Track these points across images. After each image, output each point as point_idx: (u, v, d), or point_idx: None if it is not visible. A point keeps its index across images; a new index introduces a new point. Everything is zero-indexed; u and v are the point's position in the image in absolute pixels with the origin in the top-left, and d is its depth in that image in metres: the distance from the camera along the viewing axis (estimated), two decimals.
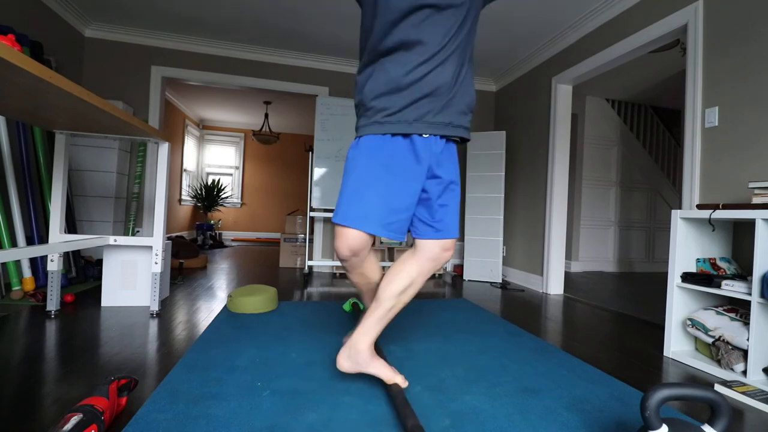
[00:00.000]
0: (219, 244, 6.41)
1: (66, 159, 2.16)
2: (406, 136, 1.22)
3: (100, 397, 1.03)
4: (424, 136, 1.22)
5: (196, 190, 6.86)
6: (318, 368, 1.50)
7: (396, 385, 1.24)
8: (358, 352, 1.27)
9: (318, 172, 3.67)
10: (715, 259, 1.86)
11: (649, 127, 5.23)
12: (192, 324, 2.04)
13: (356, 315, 2.13)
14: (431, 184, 1.29)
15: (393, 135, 1.22)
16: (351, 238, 1.24)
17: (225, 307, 2.36)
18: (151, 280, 2.19)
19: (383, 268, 3.26)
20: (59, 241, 2.12)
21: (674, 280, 1.84)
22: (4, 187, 2.49)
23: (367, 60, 1.24)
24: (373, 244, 4.10)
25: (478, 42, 3.53)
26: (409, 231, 1.35)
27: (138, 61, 3.64)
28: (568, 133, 3.42)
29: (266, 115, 6.16)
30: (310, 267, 3.88)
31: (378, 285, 1.34)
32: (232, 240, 7.43)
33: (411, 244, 3.93)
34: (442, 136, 1.25)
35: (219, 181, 7.08)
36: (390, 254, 4.02)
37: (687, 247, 1.86)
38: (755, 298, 1.50)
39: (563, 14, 3.02)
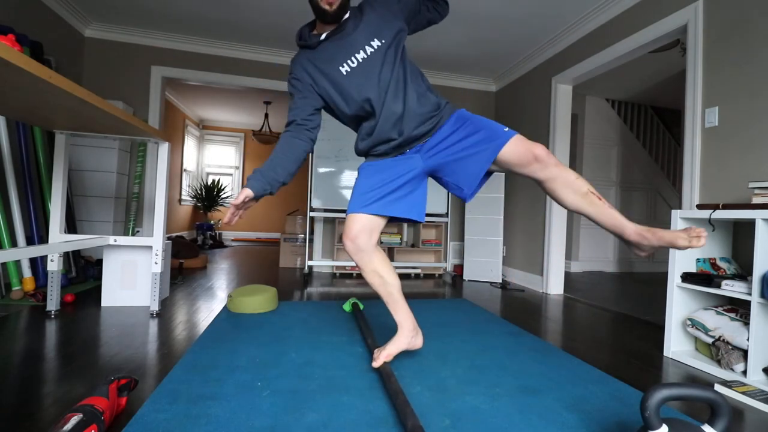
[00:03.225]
0: (219, 244, 6.41)
1: (66, 159, 2.16)
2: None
3: (100, 397, 1.03)
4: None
5: (196, 190, 6.86)
6: (318, 368, 1.50)
7: (396, 384, 1.25)
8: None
9: (318, 172, 3.67)
10: (715, 259, 1.86)
11: (649, 127, 5.23)
12: (192, 324, 2.04)
13: (356, 315, 2.13)
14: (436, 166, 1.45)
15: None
16: (347, 223, 1.45)
17: (225, 307, 2.36)
18: (151, 280, 2.19)
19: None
20: (59, 241, 2.12)
21: (674, 280, 1.84)
22: (4, 187, 2.49)
23: (354, 129, 1.57)
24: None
25: (479, 42, 3.53)
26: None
27: (138, 61, 3.64)
28: (568, 133, 3.43)
29: (266, 115, 6.16)
30: (310, 267, 3.88)
31: (394, 287, 1.48)
32: (232, 240, 7.43)
33: (411, 245, 3.89)
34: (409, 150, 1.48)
35: (219, 181, 7.08)
36: (390, 254, 4.02)
37: None
38: (755, 298, 1.50)
39: (563, 14, 3.02)
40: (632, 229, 1.25)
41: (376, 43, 1.37)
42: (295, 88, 1.46)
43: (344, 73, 1.38)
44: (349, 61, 1.37)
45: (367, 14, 1.39)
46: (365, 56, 1.37)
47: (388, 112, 1.39)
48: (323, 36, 1.39)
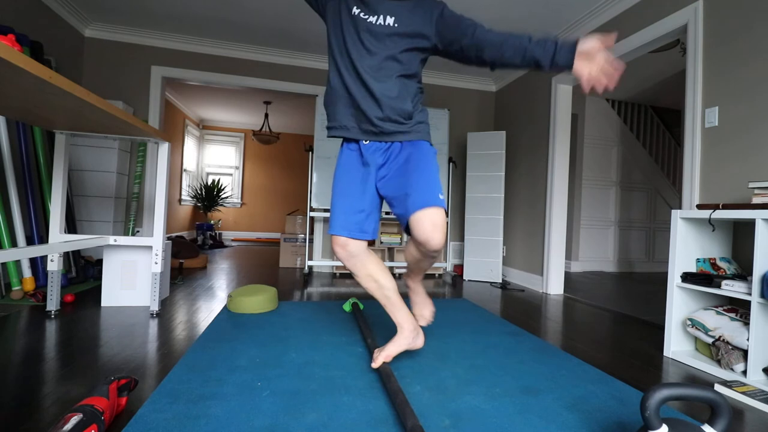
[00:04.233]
0: (219, 244, 6.41)
1: (66, 159, 2.16)
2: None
3: (100, 397, 1.03)
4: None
5: (196, 190, 6.86)
6: (318, 368, 1.50)
7: (396, 384, 1.25)
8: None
9: (318, 172, 3.67)
10: (715, 259, 1.86)
11: (649, 127, 5.23)
12: (192, 324, 2.04)
13: (356, 315, 2.13)
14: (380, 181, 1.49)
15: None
16: (333, 242, 1.47)
17: (225, 307, 2.36)
18: (151, 280, 2.19)
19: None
20: (59, 241, 2.12)
21: (674, 280, 1.84)
22: (4, 187, 2.49)
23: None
24: (373, 243, 4.09)
25: None
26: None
27: (138, 61, 3.64)
28: (568, 133, 3.43)
29: (266, 115, 6.16)
30: (310, 267, 3.88)
31: (390, 290, 1.48)
32: (232, 240, 7.43)
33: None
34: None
35: (219, 181, 7.08)
36: (390, 254, 4.02)
37: (687, 247, 1.86)
38: (755, 298, 1.50)
39: (563, 14, 3.02)
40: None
41: (390, 21, 1.37)
42: None
43: (352, 13, 1.38)
44: (362, 12, 1.38)
45: (409, 2, 1.39)
46: (371, 21, 1.37)
47: (357, 78, 1.38)
48: None
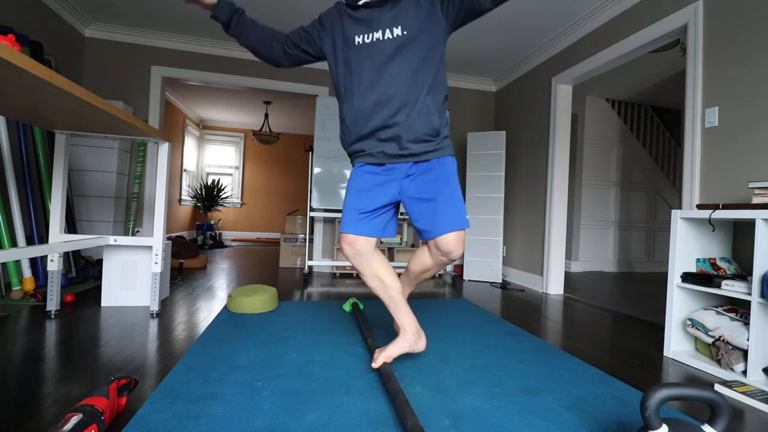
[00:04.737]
0: (219, 244, 6.41)
1: (66, 159, 2.16)
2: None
3: (100, 397, 1.03)
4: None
5: (196, 190, 6.85)
6: (318, 368, 1.50)
7: (396, 384, 1.25)
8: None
9: (318, 172, 3.67)
10: (715, 259, 1.86)
11: (649, 127, 5.23)
12: (192, 324, 2.04)
13: (356, 315, 2.13)
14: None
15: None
16: (342, 239, 1.48)
17: (225, 307, 2.36)
18: (151, 280, 2.19)
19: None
20: (59, 241, 2.12)
21: (674, 280, 1.84)
22: (4, 187, 2.49)
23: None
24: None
25: (479, 42, 3.53)
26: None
27: (138, 61, 3.64)
28: (568, 133, 3.42)
29: (266, 115, 6.16)
30: (310, 267, 3.88)
31: (395, 290, 1.49)
32: (232, 240, 7.43)
33: (411, 245, 3.91)
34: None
35: (219, 181, 7.08)
36: (390, 254, 4.02)
37: (687, 247, 1.86)
38: (755, 298, 1.50)
39: (563, 14, 3.02)
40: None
41: (397, 31, 1.34)
42: (311, 24, 1.49)
43: (356, 44, 1.38)
44: (365, 36, 1.37)
45: (407, 1, 1.36)
46: (380, 38, 1.35)
47: (376, 99, 1.36)
48: (362, 1, 1.37)
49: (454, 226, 1.39)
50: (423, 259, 1.53)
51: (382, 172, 1.46)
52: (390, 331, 2.01)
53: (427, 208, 1.42)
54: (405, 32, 1.34)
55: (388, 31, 1.34)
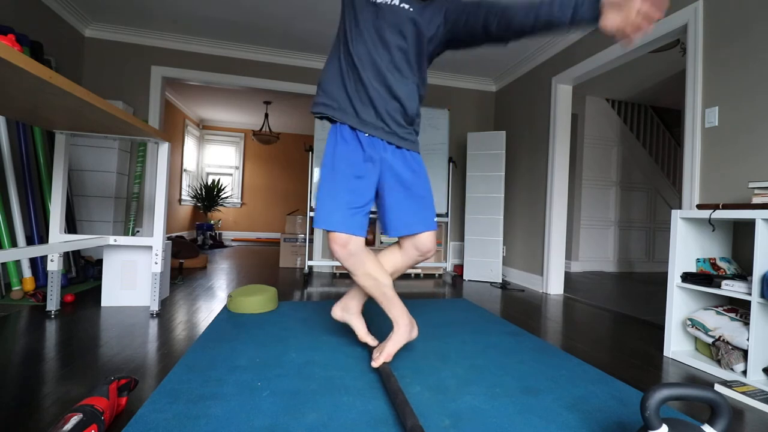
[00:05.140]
0: (219, 244, 6.41)
1: (66, 159, 2.16)
2: None
3: (100, 397, 1.03)
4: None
5: (196, 190, 6.86)
6: (318, 368, 1.50)
7: (396, 384, 1.25)
8: (349, 308, 1.65)
9: (318, 172, 3.66)
10: (715, 259, 1.86)
11: (649, 127, 5.23)
12: (192, 324, 2.04)
13: None
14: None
15: None
16: (332, 234, 1.42)
17: (225, 307, 2.36)
18: (151, 280, 2.19)
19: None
20: (59, 241, 2.12)
21: (674, 280, 1.84)
22: (4, 187, 2.49)
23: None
24: (373, 243, 4.08)
25: None
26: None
27: (138, 61, 3.64)
28: (568, 133, 3.43)
29: (266, 115, 6.16)
30: (310, 267, 3.88)
31: (387, 286, 1.47)
32: (232, 240, 7.43)
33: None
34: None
35: (219, 181, 7.08)
36: None
37: (687, 247, 1.86)
38: (755, 298, 1.50)
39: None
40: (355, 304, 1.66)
41: (405, 5, 1.37)
42: None
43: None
44: None
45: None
46: (387, 2, 1.36)
47: (372, 60, 1.36)
48: None
49: (433, 225, 1.47)
50: (394, 261, 1.54)
51: (366, 146, 1.41)
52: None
53: (406, 198, 1.45)
54: (411, 9, 1.38)
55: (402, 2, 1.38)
